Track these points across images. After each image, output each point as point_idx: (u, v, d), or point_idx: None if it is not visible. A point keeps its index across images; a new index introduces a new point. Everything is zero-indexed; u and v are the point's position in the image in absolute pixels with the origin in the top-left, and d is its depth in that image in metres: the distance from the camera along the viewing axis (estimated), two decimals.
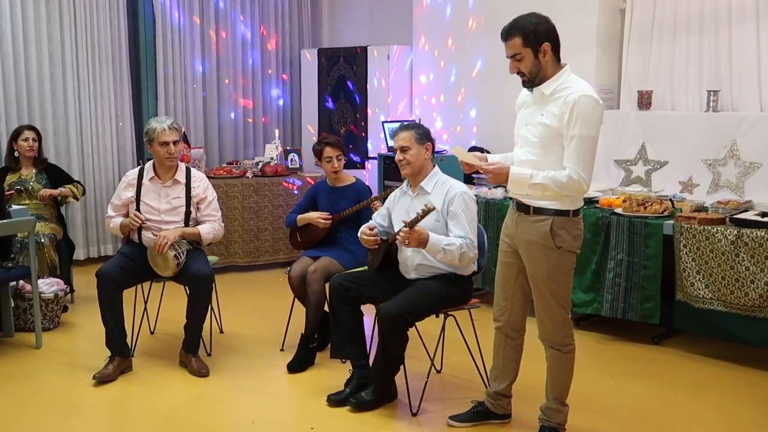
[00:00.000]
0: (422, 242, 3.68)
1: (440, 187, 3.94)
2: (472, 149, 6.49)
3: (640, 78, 5.85)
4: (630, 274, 4.85)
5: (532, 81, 3.26)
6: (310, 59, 8.07)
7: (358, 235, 4.08)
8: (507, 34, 3.23)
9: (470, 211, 3.87)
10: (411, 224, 3.64)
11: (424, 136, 3.96)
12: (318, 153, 4.81)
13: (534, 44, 3.20)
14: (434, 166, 4.03)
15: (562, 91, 3.20)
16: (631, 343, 5.01)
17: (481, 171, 3.33)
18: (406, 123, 4.09)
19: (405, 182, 4.10)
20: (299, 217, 4.88)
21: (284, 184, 6.98)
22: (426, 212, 3.60)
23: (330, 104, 7.95)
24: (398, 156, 3.95)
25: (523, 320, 3.60)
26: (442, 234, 3.81)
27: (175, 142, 4.52)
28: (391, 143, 6.89)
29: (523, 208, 3.37)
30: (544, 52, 3.21)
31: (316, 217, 4.79)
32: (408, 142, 3.93)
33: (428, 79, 7.33)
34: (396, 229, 4.02)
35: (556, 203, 3.28)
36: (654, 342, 5.00)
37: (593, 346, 4.97)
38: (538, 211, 3.32)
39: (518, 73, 3.27)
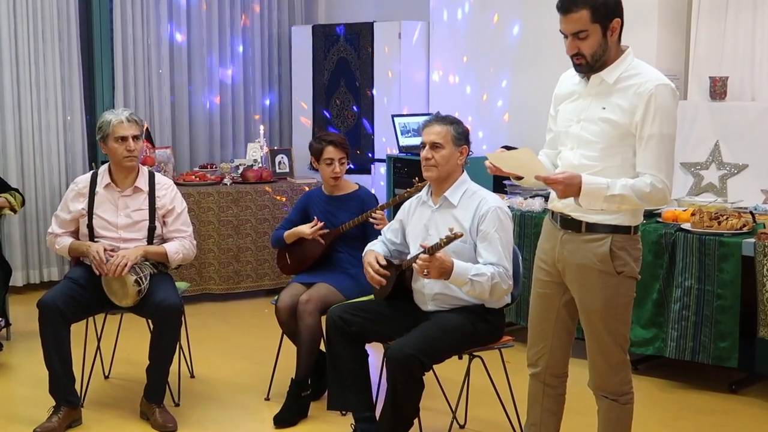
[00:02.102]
0: (445, 272, 3.67)
1: (469, 199, 3.94)
2: (503, 148, 6.43)
3: (713, 61, 5.85)
4: (701, 306, 4.83)
5: (591, 66, 3.24)
6: (302, 38, 8.09)
7: (364, 266, 4.04)
8: (571, 4, 3.17)
9: (506, 231, 3.87)
10: (432, 250, 3.63)
11: (462, 136, 3.95)
12: (317, 152, 4.81)
13: (604, 19, 3.17)
14: (463, 171, 4.03)
15: (630, 79, 3.21)
16: (702, 392, 4.99)
17: (546, 183, 3.20)
18: (443, 115, 4.03)
19: (425, 189, 4.09)
20: (287, 233, 4.88)
21: (276, 197, 7.00)
22: (451, 239, 3.59)
23: (327, 94, 7.98)
24: (425, 153, 3.92)
25: (566, 364, 3.59)
26: (469, 258, 3.81)
27: (135, 138, 4.55)
28: (404, 141, 6.92)
29: (571, 224, 3.36)
30: (612, 30, 3.19)
31: (308, 231, 4.79)
32: (442, 139, 3.91)
33: (448, 64, 7.35)
34: (412, 249, 4.02)
35: (614, 218, 3.28)
36: (731, 390, 4.98)
37: (655, 396, 4.95)
38: (592, 228, 3.31)
39: (575, 55, 3.23)
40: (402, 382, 3.73)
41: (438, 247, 3.62)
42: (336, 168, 4.79)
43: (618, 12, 3.20)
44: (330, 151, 4.78)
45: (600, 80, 3.26)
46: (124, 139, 4.52)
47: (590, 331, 3.39)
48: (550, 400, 3.62)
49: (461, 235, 3.61)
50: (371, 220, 4.63)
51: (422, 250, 3.68)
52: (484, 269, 3.74)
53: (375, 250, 4.12)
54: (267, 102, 8.49)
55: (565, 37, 3.23)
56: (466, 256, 3.80)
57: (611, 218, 3.27)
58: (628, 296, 3.36)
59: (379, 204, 4.79)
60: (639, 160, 3.20)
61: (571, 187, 3.17)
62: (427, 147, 3.93)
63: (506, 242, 3.85)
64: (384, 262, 3.99)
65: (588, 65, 3.23)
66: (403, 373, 3.70)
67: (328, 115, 8.01)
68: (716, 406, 4.80)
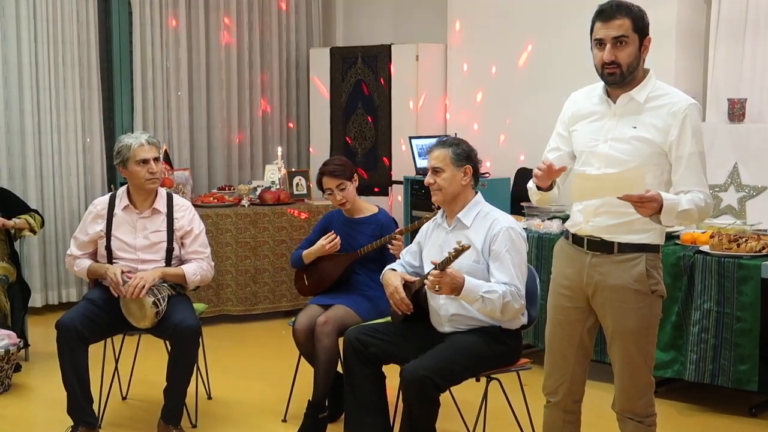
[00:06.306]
0: (456, 288, 3.69)
1: (482, 220, 3.96)
2: (522, 171, 6.51)
3: (731, 84, 5.86)
4: (720, 329, 4.81)
5: (624, 77, 3.26)
6: (320, 61, 8.14)
7: (389, 292, 4.06)
8: (615, 11, 3.23)
9: (518, 251, 3.88)
10: (442, 266, 3.65)
11: (462, 156, 3.98)
12: (318, 184, 4.85)
13: (641, 33, 3.25)
14: (476, 193, 4.05)
15: (660, 98, 3.28)
16: (722, 415, 4.96)
17: (632, 202, 3.13)
18: (444, 139, 4.12)
19: (440, 212, 4.12)
20: (305, 252, 4.89)
21: (290, 210, 7.00)
22: (459, 251, 3.60)
23: (345, 116, 8.01)
24: (428, 179, 3.99)
25: (584, 386, 3.60)
26: (482, 278, 3.82)
27: (155, 160, 4.59)
28: (421, 163, 6.93)
29: (601, 246, 3.37)
30: (645, 47, 3.28)
31: (323, 242, 4.79)
32: (441, 163, 3.96)
33: (465, 86, 7.38)
34: (427, 270, 4.03)
35: (644, 236, 3.31)
36: (751, 414, 4.95)
37: (675, 419, 4.93)
38: (624, 248, 3.33)
39: (609, 64, 3.25)
40: (416, 403, 3.74)
41: (448, 261, 3.64)
42: (336, 196, 4.78)
43: (648, 31, 3.28)
44: (326, 182, 4.78)
45: (629, 99, 3.30)
46: (145, 161, 4.56)
47: (621, 353, 3.39)
48: (570, 427, 3.61)
49: (468, 248, 3.63)
50: (391, 243, 4.64)
51: (433, 266, 3.70)
52: (495, 287, 3.76)
53: (395, 269, 4.16)
54: (285, 124, 8.53)
55: (600, 46, 3.26)
56: (479, 277, 3.81)
57: (642, 237, 3.31)
58: (658, 316, 3.41)
59: (399, 228, 4.78)
60: (682, 179, 3.25)
61: (654, 204, 3.14)
62: (429, 173, 3.99)
63: (519, 262, 3.86)
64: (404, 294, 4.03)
65: (622, 76, 3.26)
66: (417, 394, 3.71)
67: (345, 137, 8.03)
68: (736, 430, 4.77)
